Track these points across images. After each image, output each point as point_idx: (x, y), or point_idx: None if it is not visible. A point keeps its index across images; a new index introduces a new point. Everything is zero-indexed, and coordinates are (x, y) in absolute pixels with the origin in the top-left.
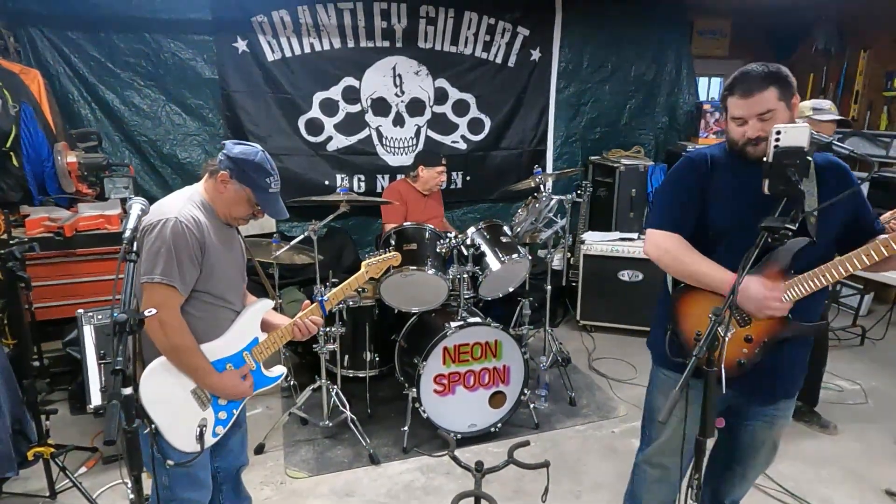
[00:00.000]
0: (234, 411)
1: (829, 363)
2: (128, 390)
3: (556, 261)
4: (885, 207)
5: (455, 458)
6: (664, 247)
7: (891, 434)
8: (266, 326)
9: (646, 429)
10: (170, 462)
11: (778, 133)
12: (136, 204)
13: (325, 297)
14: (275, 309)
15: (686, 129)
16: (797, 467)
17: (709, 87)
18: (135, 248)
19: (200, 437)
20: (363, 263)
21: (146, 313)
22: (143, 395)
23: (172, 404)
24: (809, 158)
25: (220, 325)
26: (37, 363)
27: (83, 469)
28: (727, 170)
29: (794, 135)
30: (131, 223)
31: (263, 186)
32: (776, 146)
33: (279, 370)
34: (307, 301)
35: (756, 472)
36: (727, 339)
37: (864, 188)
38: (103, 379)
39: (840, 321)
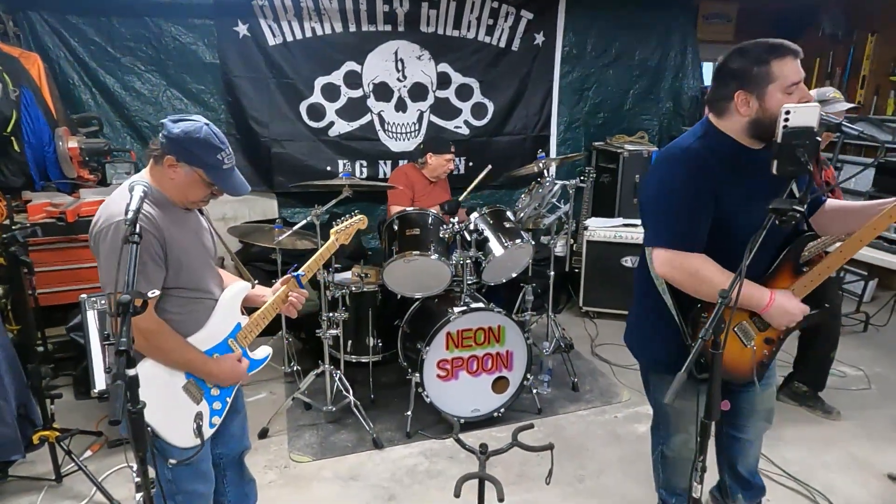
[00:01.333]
0: (228, 399)
1: None
2: (133, 371)
3: (560, 247)
4: (893, 193)
5: (459, 441)
6: (690, 268)
7: (893, 420)
8: (247, 302)
9: (661, 429)
10: (172, 461)
11: (787, 113)
12: (139, 186)
13: (301, 272)
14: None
15: (690, 115)
16: (801, 452)
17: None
18: (137, 230)
19: (199, 431)
20: (331, 231)
21: (149, 294)
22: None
23: (165, 404)
24: (819, 139)
25: (202, 318)
26: (41, 348)
27: (88, 453)
28: (726, 163)
29: (804, 115)
30: (134, 205)
31: (215, 164)
32: (785, 126)
33: (264, 351)
34: (285, 276)
35: (760, 434)
36: (753, 347)
37: (871, 173)
38: (107, 360)
39: (844, 307)
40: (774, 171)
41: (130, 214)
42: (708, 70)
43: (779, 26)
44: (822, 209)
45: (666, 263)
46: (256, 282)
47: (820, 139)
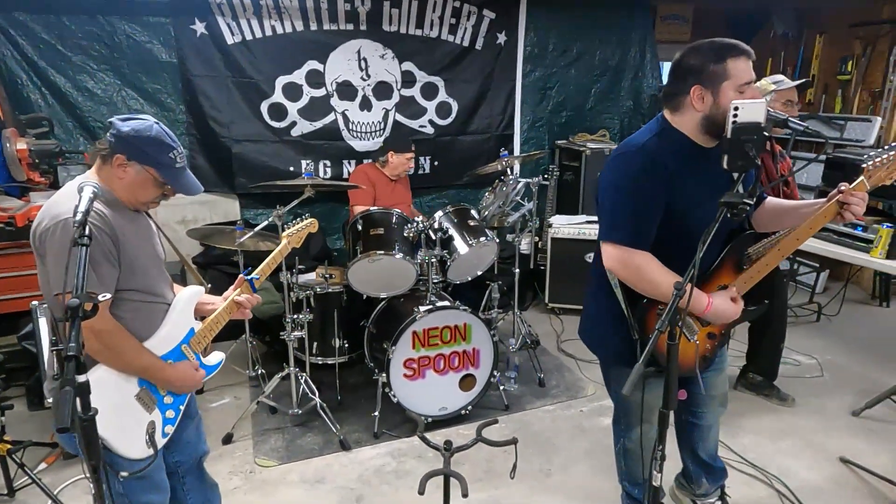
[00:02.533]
0: (181, 407)
1: (788, 339)
2: (83, 377)
3: (525, 245)
4: None
5: (424, 438)
6: (633, 265)
7: (846, 405)
8: (199, 312)
9: (622, 422)
10: (123, 474)
11: (736, 109)
12: (88, 186)
13: (256, 276)
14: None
15: (650, 113)
16: (757, 439)
17: None
18: (87, 232)
19: (151, 440)
20: (282, 235)
21: (100, 297)
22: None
23: (116, 414)
24: (767, 134)
25: (155, 322)
26: None
27: (43, 465)
28: (680, 159)
29: (752, 111)
30: (83, 206)
31: (168, 163)
32: (734, 122)
33: (217, 357)
34: (240, 277)
35: (717, 418)
36: (696, 341)
37: (819, 168)
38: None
39: (797, 298)
40: (725, 166)
41: (79, 216)
42: (667, 69)
43: (733, 27)
44: (762, 206)
45: (613, 259)
46: (209, 286)
47: (767, 134)
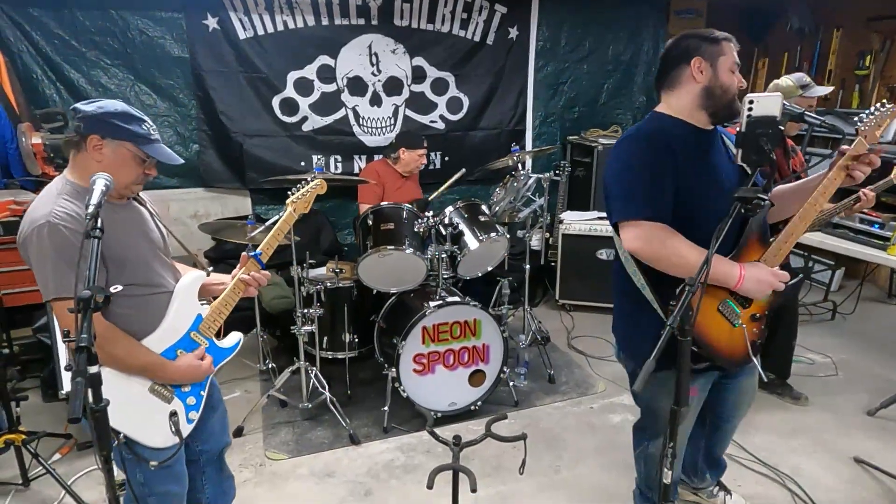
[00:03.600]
0: (202, 393)
1: (802, 337)
2: (94, 368)
3: (535, 241)
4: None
5: (433, 433)
6: (658, 238)
7: (860, 405)
8: (206, 293)
9: (649, 429)
10: (153, 463)
11: (751, 102)
12: (100, 179)
13: (259, 251)
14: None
15: None
16: (770, 438)
17: None
18: (99, 224)
19: (176, 429)
20: (287, 202)
21: (111, 290)
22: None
23: (134, 408)
24: (782, 128)
25: (158, 314)
26: (6, 350)
27: (57, 456)
28: (681, 144)
29: (767, 104)
30: (95, 199)
31: (143, 133)
32: (749, 116)
33: (235, 337)
34: (243, 255)
35: (739, 421)
36: (742, 325)
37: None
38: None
39: (812, 297)
40: (739, 161)
41: (91, 208)
42: None
43: (748, 21)
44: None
45: (635, 238)
46: (211, 269)
47: (783, 128)
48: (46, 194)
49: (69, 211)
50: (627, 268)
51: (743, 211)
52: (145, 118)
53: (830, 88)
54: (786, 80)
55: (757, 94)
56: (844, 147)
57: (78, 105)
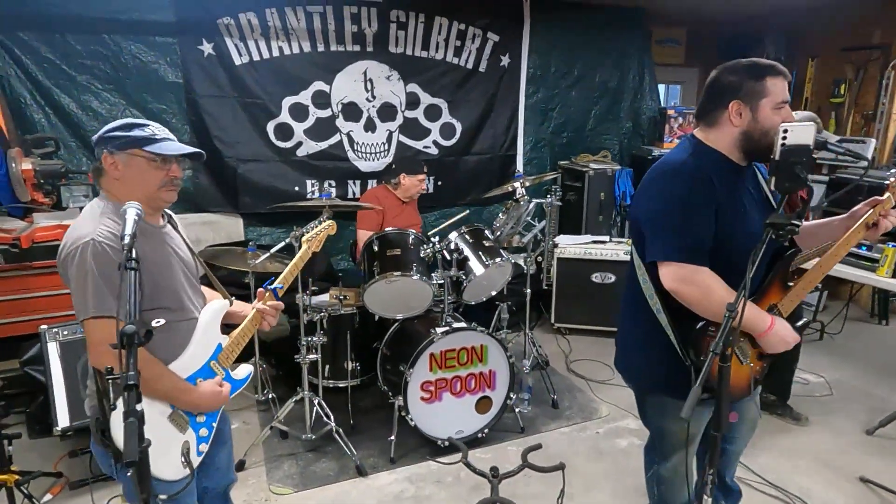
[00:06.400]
0: (214, 424)
1: None
2: (140, 406)
3: (525, 264)
4: (845, 208)
5: (469, 465)
6: (698, 282)
7: (858, 424)
8: (231, 320)
9: (658, 450)
10: (162, 497)
11: (785, 131)
12: (132, 209)
13: (280, 286)
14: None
15: (649, 134)
16: (775, 459)
17: (667, 94)
18: (134, 255)
19: (187, 460)
20: (303, 240)
21: (154, 323)
22: (118, 435)
23: (151, 437)
24: (815, 156)
25: (184, 340)
26: None
27: (48, 496)
28: (719, 177)
29: (801, 133)
30: (129, 229)
31: (148, 136)
32: (783, 144)
33: (246, 369)
34: (261, 290)
35: (746, 443)
36: (750, 364)
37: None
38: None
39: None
40: (772, 188)
41: (126, 239)
42: (664, 92)
43: (725, 50)
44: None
45: (676, 279)
46: (234, 298)
47: (815, 156)
48: (89, 213)
49: (114, 230)
50: (645, 290)
51: (774, 237)
52: (148, 122)
53: (836, 138)
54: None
55: (791, 123)
56: (875, 198)
57: (93, 137)
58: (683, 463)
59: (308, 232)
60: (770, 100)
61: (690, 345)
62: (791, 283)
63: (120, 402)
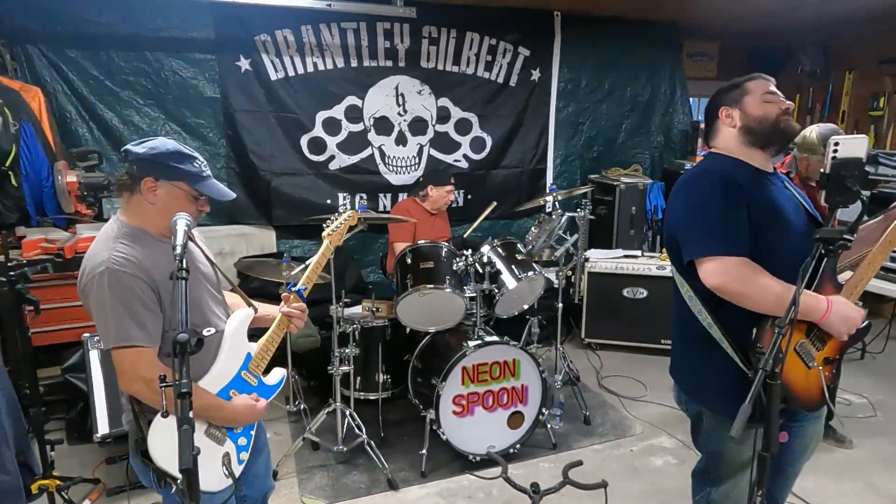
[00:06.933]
0: (252, 433)
1: None
2: (192, 413)
3: (555, 279)
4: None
5: (509, 480)
6: (742, 272)
7: None
8: (260, 324)
9: (712, 473)
10: None
11: (836, 144)
12: (181, 220)
13: (303, 286)
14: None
15: (681, 148)
16: (819, 482)
17: (699, 108)
18: (184, 265)
19: (229, 469)
20: (323, 235)
21: (205, 332)
22: (158, 455)
23: None
24: (867, 170)
25: (211, 355)
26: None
27: (86, 502)
28: (749, 180)
29: (852, 146)
30: (180, 240)
31: (196, 171)
32: (834, 157)
33: (279, 373)
34: (285, 293)
35: (802, 466)
36: (819, 367)
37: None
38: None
39: None
40: (823, 202)
41: (178, 249)
42: (696, 106)
43: (758, 63)
44: None
45: (718, 273)
46: (257, 306)
47: (868, 170)
48: (104, 238)
49: (127, 255)
50: (692, 307)
51: (824, 252)
52: (196, 155)
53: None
54: (814, 132)
55: (842, 137)
56: None
57: (129, 147)
58: (737, 486)
59: (328, 225)
60: (752, 96)
61: (750, 350)
62: (842, 283)
63: (158, 416)
